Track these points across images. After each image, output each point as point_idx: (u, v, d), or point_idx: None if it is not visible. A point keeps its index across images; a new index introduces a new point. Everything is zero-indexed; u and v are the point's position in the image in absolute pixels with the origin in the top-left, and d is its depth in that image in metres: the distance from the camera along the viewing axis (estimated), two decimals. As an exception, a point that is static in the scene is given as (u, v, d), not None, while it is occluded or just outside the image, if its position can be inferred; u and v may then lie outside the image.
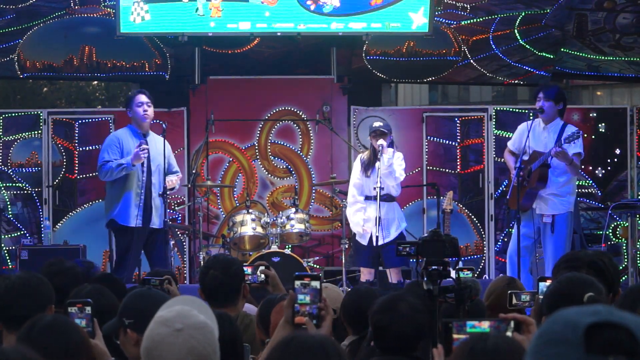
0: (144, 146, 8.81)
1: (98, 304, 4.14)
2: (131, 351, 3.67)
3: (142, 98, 9.08)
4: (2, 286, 3.97)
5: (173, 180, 9.15)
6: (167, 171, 9.19)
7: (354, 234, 9.42)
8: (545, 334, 1.77)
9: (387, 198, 9.12)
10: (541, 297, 4.63)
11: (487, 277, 10.96)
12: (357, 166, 9.47)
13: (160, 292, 4.30)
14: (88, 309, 3.74)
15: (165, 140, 9.27)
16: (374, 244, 8.96)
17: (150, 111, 9.08)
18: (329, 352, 2.59)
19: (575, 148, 8.78)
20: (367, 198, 9.25)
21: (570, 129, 8.89)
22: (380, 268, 9.24)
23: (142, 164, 8.90)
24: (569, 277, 3.61)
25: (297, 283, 3.33)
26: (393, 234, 9.14)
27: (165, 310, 2.90)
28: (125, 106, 9.27)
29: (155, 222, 8.98)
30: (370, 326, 3.82)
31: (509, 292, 4.94)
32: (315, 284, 3.32)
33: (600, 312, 1.74)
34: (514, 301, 4.87)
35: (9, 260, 11.11)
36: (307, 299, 3.31)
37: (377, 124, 9.34)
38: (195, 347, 2.79)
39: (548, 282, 4.62)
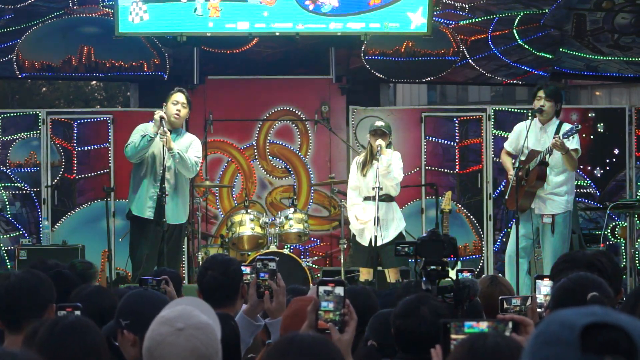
0: (157, 112, 8.85)
1: (97, 305, 4.13)
2: (129, 352, 3.67)
3: (179, 97, 9.07)
4: (2, 287, 3.95)
5: (170, 140, 8.87)
6: None
7: (354, 234, 9.41)
8: (542, 334, 1.77)
9: (385, 198, 9.11)
10: (538, 295, 4.62)
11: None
12: (353, 169, 9.46)
13: (157, 292, 4.28)
14: (77, 314, 3.73)
15: (194, 137, 9.25)
16: (373, 244, 8.94)
17: (184, 112, 9.06)
18: (331, 353, 2.59)
19: (572, 144, 8.77)
20: (366, 198, 9.23)
21: (568, 127, 8.90)
22: (380, 268, 9.24)
23: (159, 160, 8.88)
24: (579, 275, 3.61)
25: (321, 289, 3.29)
26: (392, 234, 9.13)
27: (168, 310, 2.89)
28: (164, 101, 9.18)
29: (169, 216, 8.94)
30: (392, 329, 3.79)
31: (500, 297, 4.93)
32: (339, 290, 3.29)
33: (596, 312, 1.75)
34: (505, 306, 4.87)
35: (7, 260, 11.11)
36: (331, 305, 3.28)
37: (378, 123, 9.33)
38: (197, 347, 2.78)
39: (545, 281, 4.61)
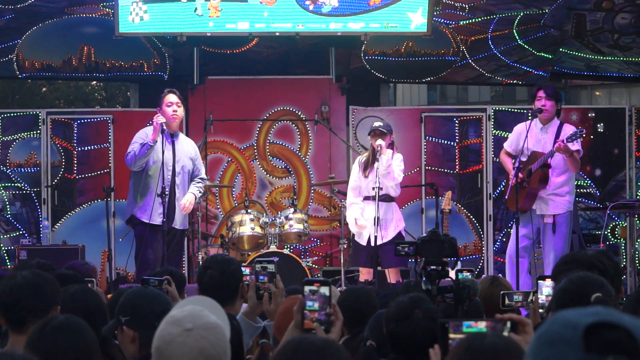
0: (159, 117, 8.82)
1: (84, 304, 4.13)
2: (129, 349, 3.67)
3: (172, 98, 9.01)
4: (7, 286, 3.95)
5: (185, 204, 8.98)
6: (193, 175, 9.17)
7: (353, 234, 9.41)
8: (545, 334, 1.78)
9: (385, 198, 9.11)
10: (540, 296, 4.63)
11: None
12: (355, 168, 9.44)
13: (156, 290, 4.29)
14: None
15: (195, 146, 9.28)
16: (372, 244, 8.94)
17: (180, 111, 9.01)
18: (339, 356, 2.59)
19: (574, 146, 8.78)
20: (366, 198, 9.23)
21: (569, 128, 8.89)
22: (379, 268, 9.24)
23: (168, 165, 8.86)
24: (580, 276, 3.61)
25: (306, 289, 3.32)
26: (391, 234, 9.13)
27: (177, 310, 2.90)
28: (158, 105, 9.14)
29: (177, 222, 8.94)
30: (384, 331, 3.78)
31: (501, 292, 4.93)
32: (325, 290, 3.33)
33: (599, 312, 1.76)
34: (507, 302, 4.87)
35: (7, 260, 11.11)
36: (316, 305, 3.31)
37: (377, 123, 9.33)
38: (205, 347, 2.78)
39: (547, 281, 4.62)
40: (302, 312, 3.30)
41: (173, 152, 8.94)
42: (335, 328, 3.30)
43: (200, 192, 9.23)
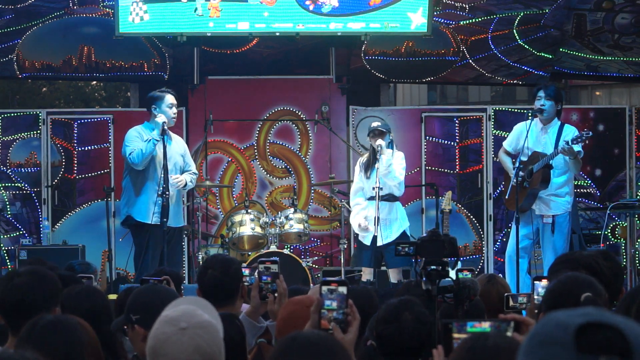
0: (160, 116, 8.86)
1: (88, 304, 4.12)
2: (139, 347, 3.68)
3: (173, 100, 9.01)
4: (7, 286, 3.94)
5: (179, 178, 9.01)
6: (183, 170, 9.16)
7: (357, 234, 9.40)
8: (537, 335, 1.78)
9: (388, 198, 9.08)
10: (536, 296, 4.63)
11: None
12: (357, 171, 9.42)
13: (166, 287, 4.29)
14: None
15: (184, 142, 9.30)
16: (375, 243, 8.93)
17: (177, 113, 9.15)
18: (335, 350, 2.59)
19: (576, 147, 8.77)
20: (370, 199, 9.22)
21: (570, 129, 8.88)
22: (383, 268, 9.23)
23: (160, 163, 8.84)
24: (569, 276, 3.61)
25: (324, 289, 3.32)
26: (395, 234, 9.11)
27: (171, 310, 2.91)
28: (150, 103, 9.08)
29: (172, 220, 8.93)
30: (373, 332, 3.78)
31: (505, 294, 4.93)
32: (342, 289, 3.32)
33: (590, 313, 1.76)
34: (511, 303, 4.86)
35: (7, 260, 11.11)
36: (334, 304, 3.31)
37: (375, 124, 9.31)
38: (200, 345, 2.80)
39: (543, 282, 4.62)
40: (319, 312, 3.29)
41: (164, 151, 8.92)
42: (352, 328, 3.29)
43: (192, 182, 9.17)
